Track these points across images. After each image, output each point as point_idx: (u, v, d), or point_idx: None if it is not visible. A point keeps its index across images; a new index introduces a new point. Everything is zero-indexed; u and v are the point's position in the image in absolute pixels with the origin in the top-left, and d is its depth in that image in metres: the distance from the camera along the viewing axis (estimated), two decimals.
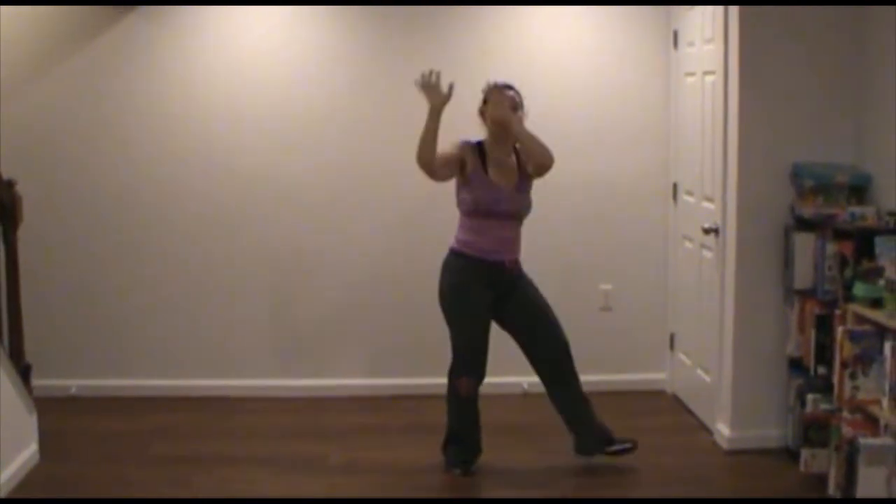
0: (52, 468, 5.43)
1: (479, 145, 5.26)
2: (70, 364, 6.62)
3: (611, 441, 5.44)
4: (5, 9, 6.35)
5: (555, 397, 5.46)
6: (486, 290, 5.25)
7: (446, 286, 5.31)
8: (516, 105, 5.22)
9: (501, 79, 5.32)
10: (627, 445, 5.43)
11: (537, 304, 5.34)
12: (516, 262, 5.30)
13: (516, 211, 5.23)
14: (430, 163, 5.09)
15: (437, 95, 5.08)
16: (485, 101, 5.28)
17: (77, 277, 6.64)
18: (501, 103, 5.17)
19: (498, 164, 5.24)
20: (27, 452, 5.38)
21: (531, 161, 5.21)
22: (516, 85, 5.31)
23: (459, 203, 5.28)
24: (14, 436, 5.27)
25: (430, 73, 5.09)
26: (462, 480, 5.32)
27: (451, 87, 5.08)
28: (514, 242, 5.27)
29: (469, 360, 5.32)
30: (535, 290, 5.37)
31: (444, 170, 5.18)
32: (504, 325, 5.38)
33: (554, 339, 5.35)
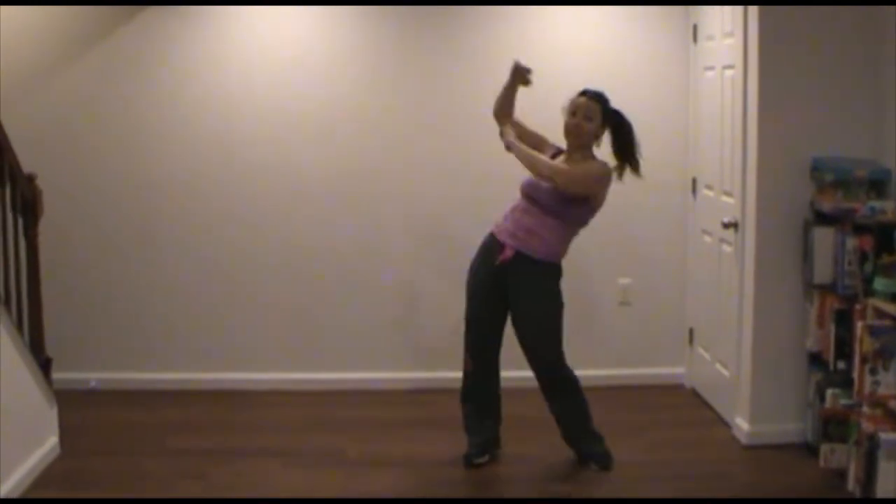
0: (71, 461, 5.45)
1: (559, 153, 5.30)
2: (90, 357, 6.66)
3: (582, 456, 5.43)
4: (24, 8, 6.38)
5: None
6: (487, 270, 5.26)
7: (557, 296, 5.31)
8: (590, 115, 5.16)
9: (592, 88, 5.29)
10: (594, 468, 5.39)
11: (521, 317, 5.28)
12: (515, 254, 5.18)
13: (537, 195, 5.15)
14: (497, 116, 5.32)
15: (521, 79, 5.22)
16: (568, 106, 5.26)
17: (97, 271, 6.67)
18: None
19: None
20: (47, 445, 5.41)
21: None
22: (605, 93, 5.27)
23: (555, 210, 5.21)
24: (34, 429, 5.30)
25: (527, 69, 5.23)
26: (476, 474, 5.31)
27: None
28: (529, 233, 5.17)
29: (467, 335, 5.41)
30: (529, 299, 5.26)
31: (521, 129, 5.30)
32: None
33: (534, 361, 5.35)
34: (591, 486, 5.23)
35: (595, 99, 5.19)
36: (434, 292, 6.63)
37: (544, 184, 5.10)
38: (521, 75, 5.24)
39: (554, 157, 5.25)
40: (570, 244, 5.30)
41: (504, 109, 5.30)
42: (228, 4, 6.45)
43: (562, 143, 5.27)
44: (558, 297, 5.27)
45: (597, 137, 5.22)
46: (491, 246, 5.27)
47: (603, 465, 5.34)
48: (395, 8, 6.49)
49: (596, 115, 5.17)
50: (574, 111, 5.16)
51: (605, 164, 5.21)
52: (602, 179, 5.18)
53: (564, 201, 5.11)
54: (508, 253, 5.18)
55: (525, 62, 5.24)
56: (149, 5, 6.44)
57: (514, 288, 5.24)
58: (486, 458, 5.41)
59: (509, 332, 5.35)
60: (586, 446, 5.40)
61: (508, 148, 5.18)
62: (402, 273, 6.70)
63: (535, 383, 6.31)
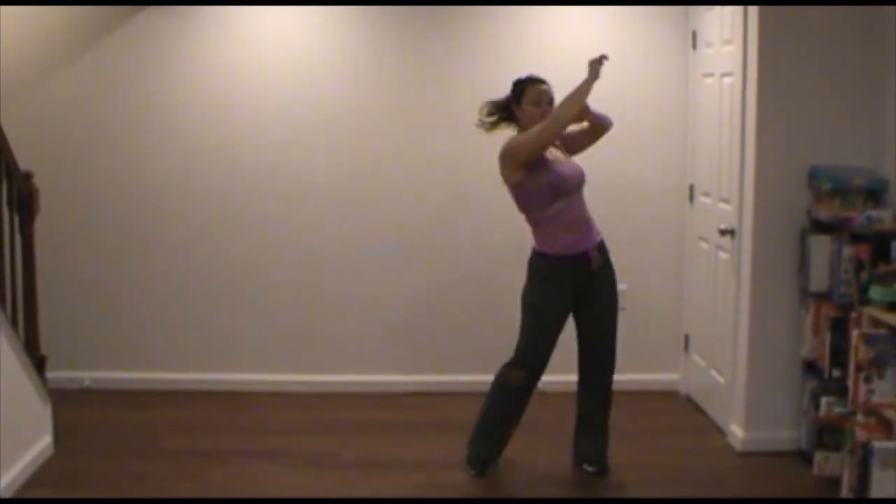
0: (65, 460, 5.45)
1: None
2: (84, 356, 6.65)
3: (591, 463, 5.40)
4: (22, 7, 6.38)
5: (579, 394, 5.44)
6: (568, 291, 5.20)
7: (529, 289, 5.23)
8: (551, 99, 5.19)
9: (531, 73, 5.29)
10: (591, 469, 5.39)
11: (603, 311, 5.31)
12: (599, 250, 5.22)
13: (580, 181, 5.17)
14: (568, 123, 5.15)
15: (597, 72, 5.10)
16: (518, 95, 5.22)
17: (92, 270, 6.66)
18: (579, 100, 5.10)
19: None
20: (41, 444, 5.40)
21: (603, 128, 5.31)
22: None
23: (530, 199, 5.14)
24: (28, 427, 5.30)
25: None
26: (472, 479, 5.30)
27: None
28: (590, 221, 5.21)
29: (532, 359, 5.23)
30: (611, 296, 5.32)
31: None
32: (574, 317, 5.34)
33: (601, 361, 5.35)
34: (586, 492, 5.22)
35: (546, 83, 5.25)
36: (433, 295, 6.63)
37: (578, 169, 5.21)
38: (597, 68, 5.12)
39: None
40: None
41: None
42: (227, 4, 6.45)
43: None
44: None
45: None
46: (567, 265, 5.17)
47: (601, 470, 5.35)
48: (396, 9, 6.49)
49: (553, 99, 5.21)
50: (538, 101, 5.17)
51: None
52: None
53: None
54: (594, 255, 5.20)
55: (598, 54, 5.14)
56: (148, 5, 6.44)
57: (598, 292, 5.27)
58: (494, 469, 5.38)
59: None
60: (601, 449, 5.39)
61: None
62: (401, 276, 6.70)
63: (541, 388, 6.35)
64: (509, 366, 5.26)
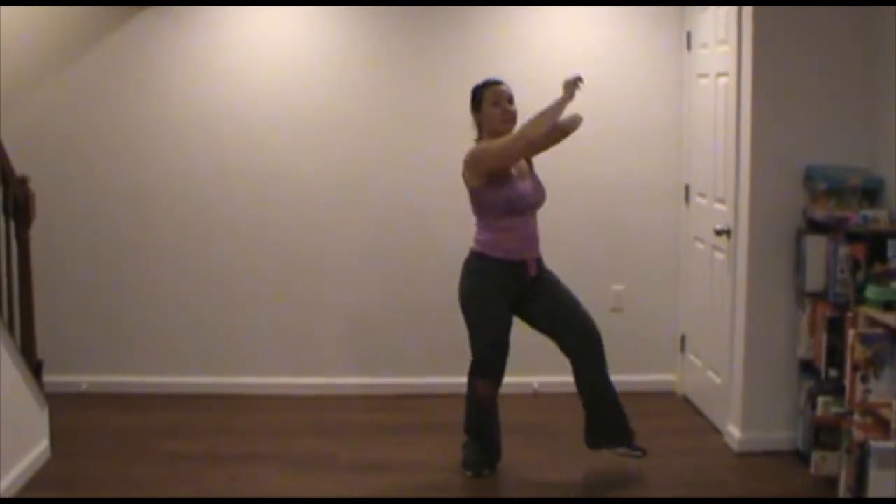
0: (62, 464, 5.45)
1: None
2: (81, 361, 6.65)
3: (622, 442, 5.39)
4: (18, 8, 6.37)
5: (580, 379, 5.36)
6: (508, 292, 5.21)
7: (468, 288, 5.25)
8: (510, 97, 5.20)
9: (490, 77, 5.30)
10: (637, 454, 5.39)
11: (559, 292, 5.29)
12: (538, 261, 5.25)
13: (539, 202, 5.22)
14: (538, 140, 5.13)
15: (571, 93, 5.09)
16: (477, 102, 5.22)
17: (88, 274, 6.66)
18: (573, 121, 5.20)
19: None
20: (38, 448, 5.40)
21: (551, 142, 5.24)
22: (504, 78, 5.30)
23: (484, 207, 5.16)
24: (25, 432, 5.29)
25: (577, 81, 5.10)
26: (470, 480, 5.31)
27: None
28: (537, 240, 5.23)
29: (488, 363, 5.28)
30: (559, 282, 5.32)
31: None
32: (527, 318, 5.33)
33: (578, 321, 5.29)
34: (584, 493, 5.23)
35: (502, 82, 5.24)
36: (428, 298, 6.63)
37: (540, 191, 5.22)
38: (572, 89, 5.11)
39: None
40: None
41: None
42: (222, 4, 6.45)
43: None
44: None
45: None
46: (506, 270, 5.18)
47: (643, 449, 5.38)
48: (391, 11, 6.49)
49: (512, 96, 5.23)
50: (497, 100, 5.16)
51: None
52: None
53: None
54: (533, 265, 5.20)
55: (573, 75, 5.13)
56: (144, 5, 6.43)
57: (543, 284, 5.26)
58: (489, 470, 5.38)
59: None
60: (625, 423, 5.38)
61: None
62: (397, 278, 6.70)
63: (526, 389, 6.35)
64: (472, 375, 5.31)
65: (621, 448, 5.39)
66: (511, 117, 5.17)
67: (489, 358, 5.27)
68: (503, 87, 5.21)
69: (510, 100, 5.19)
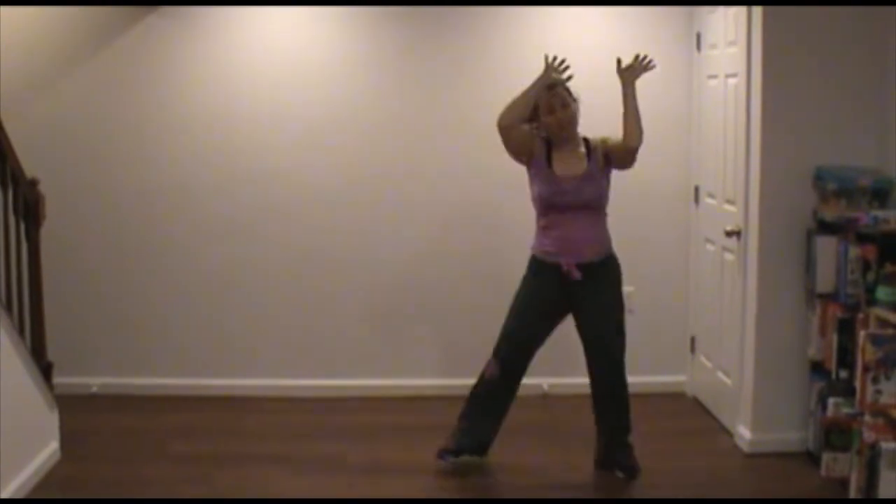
0: (72, 466, 5.45)
1: (548, 140, 5.23)
2: (91, 362, 6.65)
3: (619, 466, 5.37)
4: (26, 11, 6.39)
5: (596, 405, 5.41)
6: (544, 291, 5.23)
7: (521, 282, 5.33)
8: (563, 102, 5.17)
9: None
10: (622, 476, 5.36)
11: (597, 314, 5.26)
12: (581, 268, 5.15)
13: (581, 201, 5.14)
14: (511, 127, 5.14)
15: (552, 74, 5.14)
16: (536, 111, 5.20)
17: (98, 276, 6.67)
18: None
19: (563, 157, 5.20)
20: (48, 450, 5.40)
21: (624, 146, 5.17)
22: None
23: (532, 199, 5.26)
24: (35, 434, 5.30)
25: (557, 62, 5.17)
26: (477, 480, 5.31)
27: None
28: (578, 242, 5.16)
29: (503, 347, 5.32)
30: (606, 297, 5.27)
31: (518, 139, 5.20)
32: (577, 327, 5.34)
33: (602, 357, 5.29)
34: (590, 493, 5.22)
35: (558, 84, 5.22)
36: (438, 298, 6.63)
37: (588, 182, 5.14)
38: (551, 72, 5.15)
39: (549, 145, 5.22)
40: None
41: (520, 116, 5.17)
42: (229, 4, 6.45)
43: None
44: (622, 296, 5.39)
45: (577, 118, 5.27)
46: (544, 269, 5.22)
47: (630, 475, 5.32)
48: (397, 12, 6.49)
49: (568, 96, 5.23)
50: (550, 110, 5.16)
51: None
52: None
53: (608, 179, 5.26)
54: (573, 268, 5.15)
55: (552, 56, 5.17)
56: (152, 5, 6.43)
57: (584, 294, 5.22)
58: (458, 458, 5.38)
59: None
60: (620, 454, 5.36)
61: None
62: (404, 280, 6.69)
63: (536, 391, 6.34)
64: (491, 357, 5.34)
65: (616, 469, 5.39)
66: (565, 123, 5.16)
67: (504, 346, 5.31)
68: (556, 91, 5.18)
69: (563, 104, 5.17)
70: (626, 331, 5.36)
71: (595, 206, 5.21)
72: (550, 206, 5.16)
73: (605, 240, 5.27)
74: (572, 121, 5.19)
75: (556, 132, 5.18)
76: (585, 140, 5.26)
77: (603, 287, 5.26)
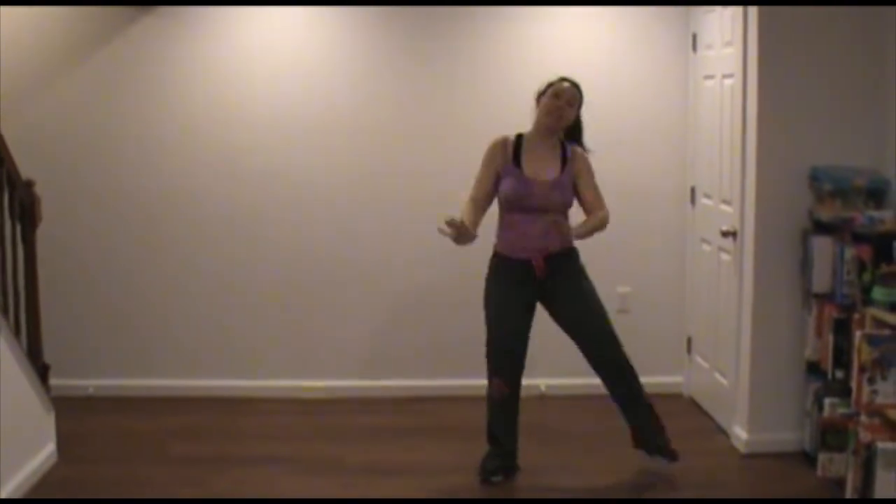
0: (69, 468, 5.45)
1: (519, 138, 5.21)
2: (88, 364, 6.65)
3: (660, 450, 5.38)
4: (23, 10, 6.38)
5: (610, 390, 5.39)
6: (518, 290, 5.20)
7: (485, 285, 5.28)
8: (572, 100, 5.16)
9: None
10: (665, 462, 5.37)
11: (577, 295, 5.23)
12: (547, 261, 5.13)
13: (545, 205, 5.12)
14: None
15: (465, 240, 5.07)
16: (543, 91, 5.20)
17: (95, 278, 6.67)
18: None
19: (535, 157, 5.18)
20: (45, 452, 5.40)
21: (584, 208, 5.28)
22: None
23: (498, 199, 5.25)
24: (32, 436, 5.30)
25: (452, 226, 4.98)
26: (474, 481, 5.29)
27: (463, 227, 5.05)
28: (542, 240, 5.13)
29: (498, 361, 5.28)
30: (579, 282, 5.25)
31: (488, 201, 5.24)
32: (554, 318, 5.31)
33: (597, 329, 5.26)
34: (589, 495, 5.21)
35: (577, 87, 5.20)
36: (435, 300, 6.63)
37: (557, 189, 5.12)
38: (462, 238, 5.06)
39: (516, 151, 5.19)
40: None
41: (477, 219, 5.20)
42: (227, 5, 6.45)
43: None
44: (589, 279, 5.32)
45: (568, 123, 5.23)
46: (511, 267, 5.20)
47: (672, 458, 5.34)
48: (395, 12, 6.49)
49: (576, 102, 5.19)
50: (557, 94, 5.14)
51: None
52: None
53: (572, 197, 5.23)
54: (541, 263, 5.13)
55: (443, 225, 5.03)
56: (147, 5, 6.43)
57: (562, 283, 5.20)
58: (501, 477, 5.33)
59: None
60: (660, 438, 5.38)
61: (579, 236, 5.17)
62: (403, 280, 6.70)
63: (533, 392, 6.33)
64: (489, 377, 5.30)
65: (654, 454, 5.39)
66: (557, 113, 5.13)
67: (499, 353, 5.26)
68: (567, 86, 5.17)
69: (570, 102, 5.16)
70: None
71: (561, 210, 5.19)
72: (516, 207, 5.15)
73: (568, 231, 5.22)
74: (563, 117, 5.16)
75: (542, 116, 5.16)
76: (562, 144, 5.24)
77: (572, 274, 5.24)
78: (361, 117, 6.58)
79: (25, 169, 5.38)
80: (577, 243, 5.23)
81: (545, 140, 5.21)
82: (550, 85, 5.19)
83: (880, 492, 4.54)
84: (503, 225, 5.22)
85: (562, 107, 5.15)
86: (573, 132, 5.29)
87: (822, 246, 5.22)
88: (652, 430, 5.39)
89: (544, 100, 5.17)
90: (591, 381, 5.45)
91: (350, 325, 6.72)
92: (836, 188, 5.24)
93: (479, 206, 5.21)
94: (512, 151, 5.18)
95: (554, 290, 5.21)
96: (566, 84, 5.18)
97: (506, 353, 5.27)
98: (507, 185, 5.14)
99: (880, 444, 4.55)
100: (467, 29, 6.54)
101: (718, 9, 6.00)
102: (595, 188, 5.26)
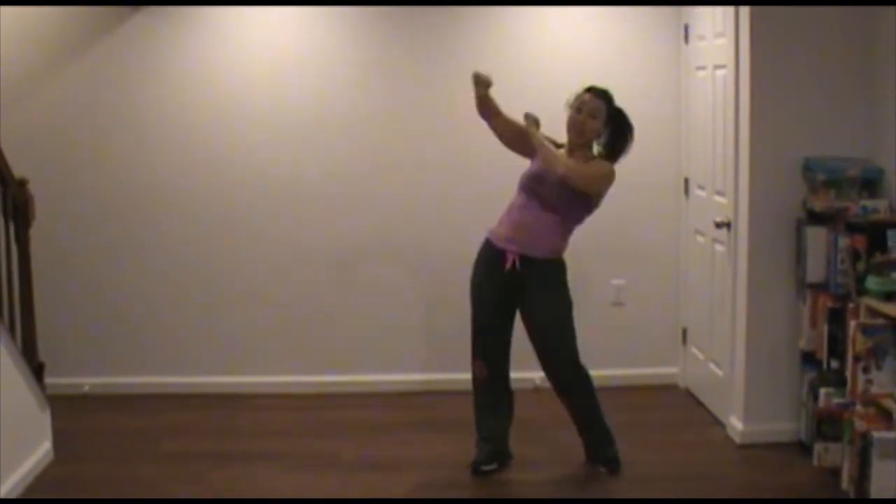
0: (65, 466, 5.45)
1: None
2: (83, 362, 6.64)
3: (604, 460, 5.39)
4: (15, 9, 6.36)
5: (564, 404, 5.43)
6: (492, 274, 5.20)
7: (472, 268, 5.33)
8: (592, 111, 5.09)
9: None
10: (602, 470, 5.37)
11: (543, 308, 5.19)
12: (526, 262, 5.11)
13: (540, 189, 5.07)
14: (483, 116, 5.27)
15: (486, 86, 5.15)
16: (572, 103, 5.17)
17: (89, 276, 6.65)
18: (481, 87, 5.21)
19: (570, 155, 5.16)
20: (41, 451, 5.40)
21: None
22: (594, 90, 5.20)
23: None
24: (27, 434, 5.29)
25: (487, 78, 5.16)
26: (469, 476, 5.29)
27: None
28: (528, 233, 5.09)
29: (477, 342, 5.31)
30: (554, 296, 5.20)
31: (516, 137, 5.25)
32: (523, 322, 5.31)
33: (544, 363, 5.29)
34: (584, 488, 5.22)
35: (601, 97, 5.12)
36: (432, 295, 6.63)
37: (550, 177, 5.03)
38: (484, 84, 5.15)
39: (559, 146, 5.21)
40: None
41: (489, 110, 5.23)
42: (222, 4, 6.44)
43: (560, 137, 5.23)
44: (567, 294, 5.22)
45: (598, 136, 5.15)
46: (490, 255, 5.21)
47: (612, 469, 5.33)
48: (390, 11, 6.47)
49: (600, 113, 5.10)
50: (579, 107, 5.09)
51: (611, 166, 5.15)
52: (610, 180, 5.15)
53: (568, 198, 5.06)
54: (511, 258, 5.12)
55: (484, 71, 5.17)
56: (141, 5, 6.41)
57: (523, 291, 5.17)
58: (494, 465, 5.34)
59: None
60: (600, 448, 5.37)
61: (530, 141, 5.11)
62: (399, 276, 6.69)
63: (526, 385, 6.32)
64: (472, 358, 5.35)
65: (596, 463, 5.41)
66: (578, 127, 5.09)
67: (478, 337, 5.31)
68: (587, 97, 5.10)
69: (593, 114, 5.08)
70: (573, 326, 5.24)
71: (562, 212, 5.12)
72: (524, 187, 5.14)
73: (558, 246, 5.20)
74: (584, 131, 5.10)
75: (568, 135, 5.14)
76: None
77: (549, 286, 5.19)
78: (358, 114, 6.56)
79: (18, 167, 5.36)
80: (571, 245, 5.23)
81: (573, 153, 5.16)
82: (578, 96, 5.15)
83: (876, 481, 4.55)
84: (507, 208, 5.22)
85: (583, 120, 5.08)
86: (611, 150, 5.21)
87: (816, 236, 5.23)
88: (598, 445, 5.39)
89: (569, 114, 5.12)
90: None
91: (344, 321, 6.72)
92: (830, 178, 5.24)
93: (515, 128, 5.22)
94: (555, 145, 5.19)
95: (525, 296, 5.20)
96: (587, 96, 5.11)
97: (483, 334, 5.29)
98: (530, 165, 5.19)
99: (876, 434, 4.56)
100: (459, 26, 6.51)
101: None
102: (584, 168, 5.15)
